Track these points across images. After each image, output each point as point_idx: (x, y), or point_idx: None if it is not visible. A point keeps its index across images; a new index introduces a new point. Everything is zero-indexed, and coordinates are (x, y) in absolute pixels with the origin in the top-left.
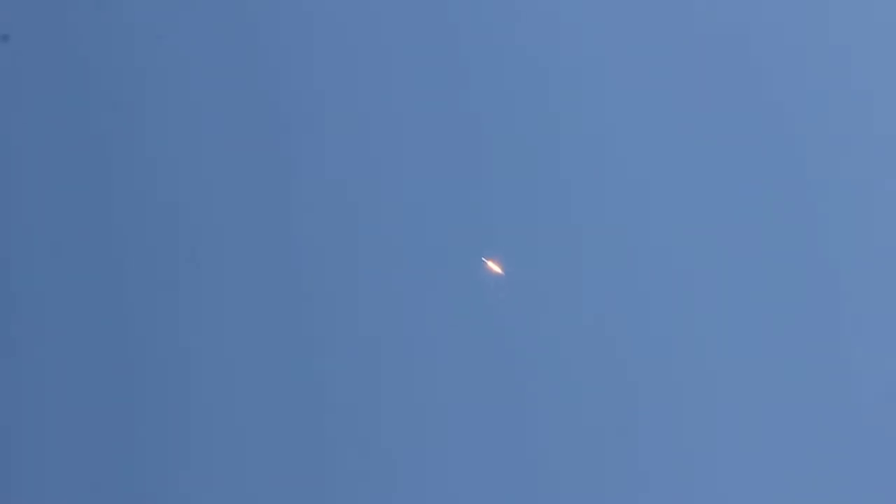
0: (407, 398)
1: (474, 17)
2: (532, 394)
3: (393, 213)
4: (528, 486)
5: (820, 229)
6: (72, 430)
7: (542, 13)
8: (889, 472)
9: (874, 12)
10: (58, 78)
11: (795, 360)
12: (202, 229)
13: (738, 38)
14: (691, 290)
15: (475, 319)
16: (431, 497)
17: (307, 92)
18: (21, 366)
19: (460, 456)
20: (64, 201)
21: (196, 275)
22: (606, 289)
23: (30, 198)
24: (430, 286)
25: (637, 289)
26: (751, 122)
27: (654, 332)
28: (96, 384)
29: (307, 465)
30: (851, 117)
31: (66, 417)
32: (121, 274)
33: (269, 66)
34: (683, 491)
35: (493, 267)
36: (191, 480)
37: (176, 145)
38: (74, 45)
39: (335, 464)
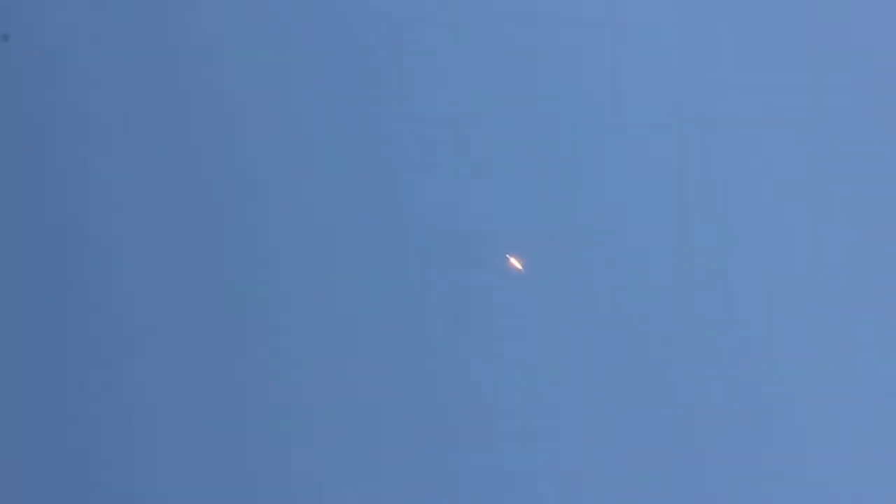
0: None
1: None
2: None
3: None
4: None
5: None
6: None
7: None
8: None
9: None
10: (59, 78)
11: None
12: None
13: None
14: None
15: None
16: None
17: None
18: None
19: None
20: (64, 202)
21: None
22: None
23: (29, 198)
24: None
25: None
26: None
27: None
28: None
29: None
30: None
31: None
32: (117, 275)
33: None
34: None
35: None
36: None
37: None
38: (75, 45)
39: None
